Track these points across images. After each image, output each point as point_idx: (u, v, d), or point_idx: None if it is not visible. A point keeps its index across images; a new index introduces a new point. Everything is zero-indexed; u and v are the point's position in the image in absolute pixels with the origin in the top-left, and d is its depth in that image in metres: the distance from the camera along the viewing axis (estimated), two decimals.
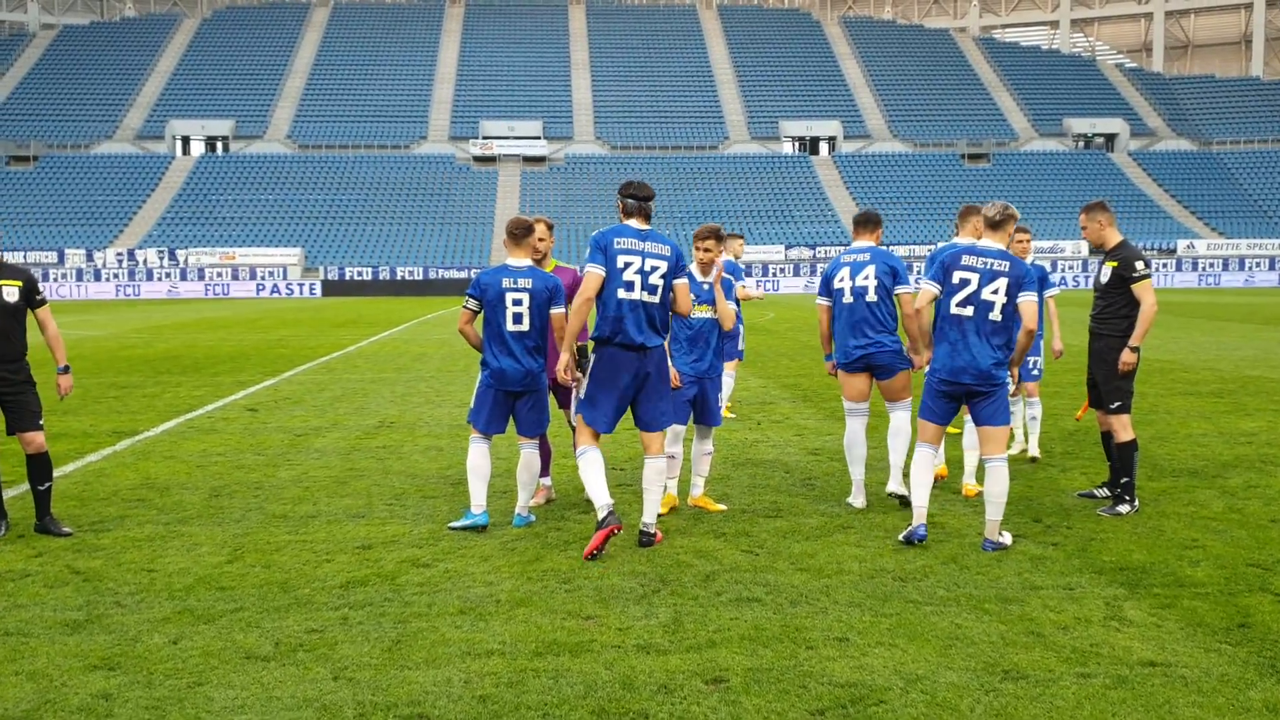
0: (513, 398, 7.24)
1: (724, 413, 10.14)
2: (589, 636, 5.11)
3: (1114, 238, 7.58)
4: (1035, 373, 9.41)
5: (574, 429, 7.10)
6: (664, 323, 6.74)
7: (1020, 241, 8.93)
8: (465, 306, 7.28)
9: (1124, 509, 7.40)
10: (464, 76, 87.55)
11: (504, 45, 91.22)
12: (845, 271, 7.73)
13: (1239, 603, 5.50)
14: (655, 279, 6.60)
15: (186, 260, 64.88)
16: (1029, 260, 9.78)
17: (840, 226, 72.29)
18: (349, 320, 34.64)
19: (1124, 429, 7.47)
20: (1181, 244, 69.09)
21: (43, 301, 7.34)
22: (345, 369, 18.48)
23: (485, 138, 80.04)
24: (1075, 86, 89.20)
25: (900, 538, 6.69)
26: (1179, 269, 67.81)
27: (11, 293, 7.10)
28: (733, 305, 7.86)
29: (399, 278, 64.00)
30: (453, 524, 7.22)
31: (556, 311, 7.15)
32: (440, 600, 5.68)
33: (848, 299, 7.68)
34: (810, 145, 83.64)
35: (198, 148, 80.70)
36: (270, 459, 9.94)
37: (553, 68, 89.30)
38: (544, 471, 7.84)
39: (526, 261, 7.21)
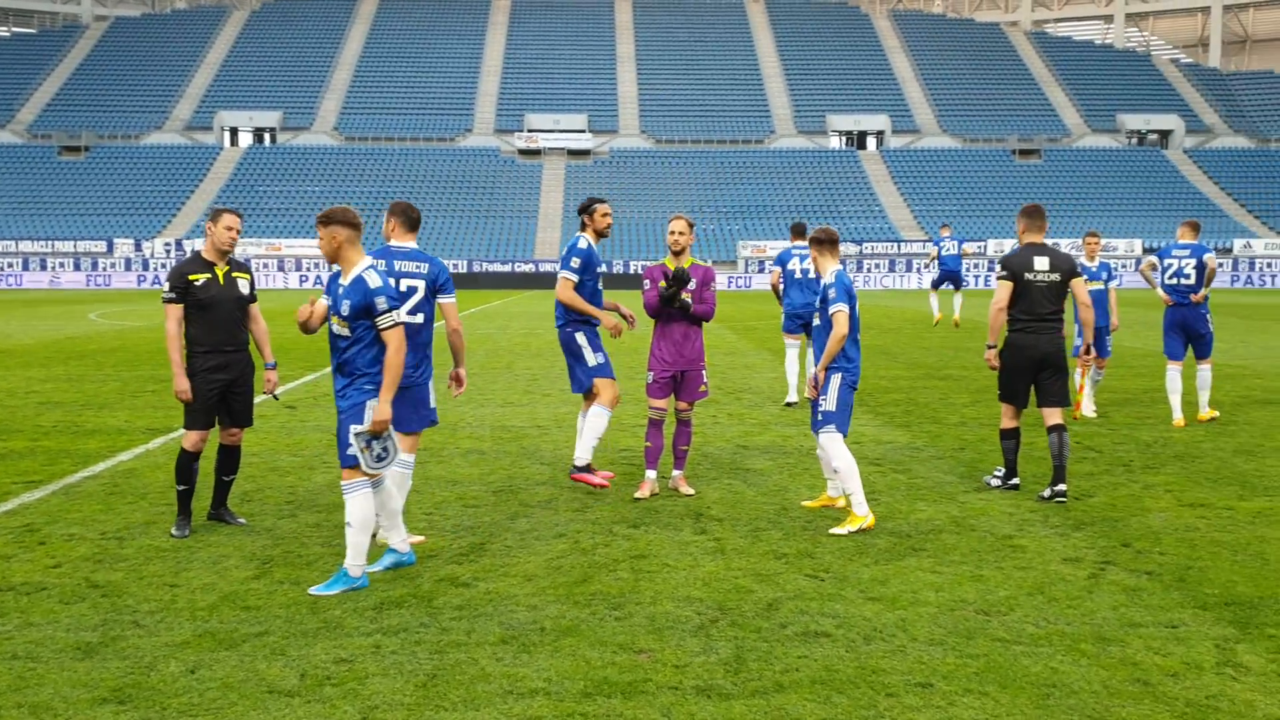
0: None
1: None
2: (642, 674, 4.65)
3: None
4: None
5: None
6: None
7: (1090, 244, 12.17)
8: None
9: None
10: (510, 69, 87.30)
11: (550, 38, 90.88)
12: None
13: None
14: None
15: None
16: (1096, 261, 11.78)
17: (887, 222, 71.30)
18: None
19: None
20: (1238, 243, 67.47)
21: None
22: None
23: (530, 131, 79.74)
24: (1129, 82, 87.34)
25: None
26: (1235, 268, 66.28)
27: None
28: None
29: None
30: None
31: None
32: (480, 627, 5.23)
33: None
34: (857, 140, 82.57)
35: (245, 139, 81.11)
36: (307, 460, 9.57)
37: (598, 61, 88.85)
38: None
39: None
